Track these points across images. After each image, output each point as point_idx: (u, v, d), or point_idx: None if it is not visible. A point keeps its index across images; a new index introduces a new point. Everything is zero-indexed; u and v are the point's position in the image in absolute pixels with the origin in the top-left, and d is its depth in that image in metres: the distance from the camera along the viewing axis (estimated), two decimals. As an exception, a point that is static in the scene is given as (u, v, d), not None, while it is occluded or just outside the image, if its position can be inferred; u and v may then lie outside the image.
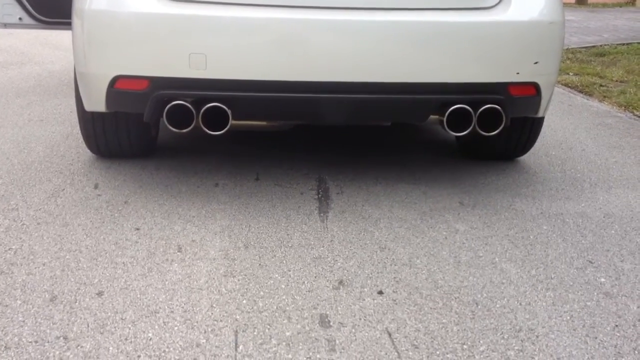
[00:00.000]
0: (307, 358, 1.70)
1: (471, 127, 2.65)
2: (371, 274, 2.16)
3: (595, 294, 2.08)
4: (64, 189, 2.83)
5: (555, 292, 2.08)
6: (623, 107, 4.93)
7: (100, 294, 1.98)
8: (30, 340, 1.73)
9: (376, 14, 2.50)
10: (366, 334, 1.82)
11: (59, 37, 7.60)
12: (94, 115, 2.92)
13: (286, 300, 1.98)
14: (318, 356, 1.71)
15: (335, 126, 3.79)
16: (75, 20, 2.58)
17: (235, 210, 2.66)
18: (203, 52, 2.44)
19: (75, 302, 1.93)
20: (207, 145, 3.50)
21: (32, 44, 7.59)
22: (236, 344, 1.75)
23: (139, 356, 1.69)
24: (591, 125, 4.34)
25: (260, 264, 2.20)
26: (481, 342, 1.80)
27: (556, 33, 2.68)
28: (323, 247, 2.35)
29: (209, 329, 1.81)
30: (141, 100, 2.54)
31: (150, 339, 1.76)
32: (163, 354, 1.69)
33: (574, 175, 3.27)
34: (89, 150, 3.24)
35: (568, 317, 1.93)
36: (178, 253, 2.26)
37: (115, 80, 2.53)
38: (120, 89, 2.55)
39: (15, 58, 6.56)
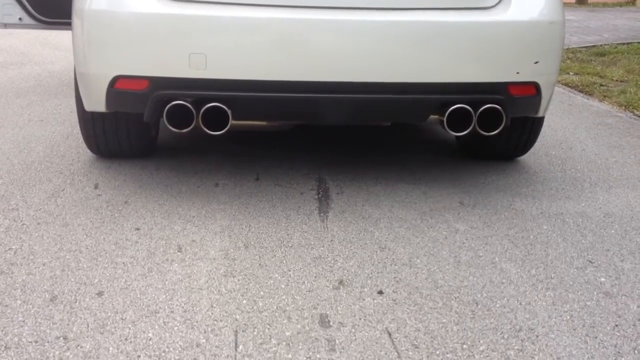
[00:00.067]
0: (307, 358, 1.70)
1: (471, 127, 2.64)
2: (371, 273, 2.16)
3: (595, 293, 2.08)
4: (64, 189, 2.83)
5: (555, 291, 2.08)
6: (623, 107, 4.93)
7: (100, 294, 1.98)
8: (30, 340, 1.73)
9: (376, 14, 2.50)
10: (366, 333, 1.82)
11: (59, 37, 7.60)
12: (94, 115, 2.92)
13: (286, 300, 1.98)
14: (318, 356, 1.71)
15: (335, 126, 3.79)
16: (75, 20, 2.59)
17: (235, 210, 2.66)
18: (203, 52, 2.44)
19: (75, 302, 1.93)
20: (207, 145, 3.50)
21: (32, 44, 7.59)
22: (236, 343, 1.75)
23: (139, 356, 1.69)
24: (591, 125, 4.34)
25: (260, 264, 2.20)
26: (481, 341, 1.80)
27: (556, 33, 2.68)
28: (323, 247, 2.35)
29: (209, 329, 1.81)
30: (141, 100, 2.54)
31: (150, 339, 1.76)
32: (163, 354, 1.70)
33: (574, 175, 3.27)
34: (89, 150, 3.24)
35: (568, 317, 1.93)
36: (178, 253, 2.26)
37: (115, 80, 2.54)
38: (120, 89, 2.55)
39: (15, 58, 6.56)
